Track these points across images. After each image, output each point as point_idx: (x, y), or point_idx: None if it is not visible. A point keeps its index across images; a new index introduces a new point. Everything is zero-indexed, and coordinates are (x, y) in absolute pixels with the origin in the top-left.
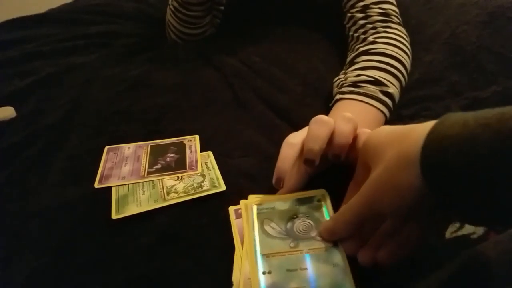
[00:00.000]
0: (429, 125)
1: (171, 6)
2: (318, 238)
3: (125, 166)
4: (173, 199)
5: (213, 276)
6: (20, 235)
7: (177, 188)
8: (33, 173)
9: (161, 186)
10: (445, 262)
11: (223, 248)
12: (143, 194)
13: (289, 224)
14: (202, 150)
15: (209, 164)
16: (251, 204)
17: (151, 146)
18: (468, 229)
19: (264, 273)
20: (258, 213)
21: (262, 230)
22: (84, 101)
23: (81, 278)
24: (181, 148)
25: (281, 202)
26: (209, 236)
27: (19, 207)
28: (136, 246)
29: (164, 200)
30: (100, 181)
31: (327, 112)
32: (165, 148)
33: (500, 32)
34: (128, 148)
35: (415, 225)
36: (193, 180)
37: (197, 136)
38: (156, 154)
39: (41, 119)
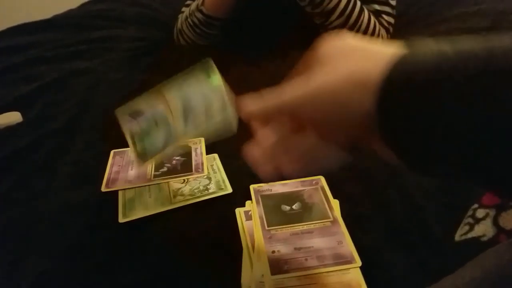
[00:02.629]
0: (384, 57)
1: (190, 21)
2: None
3: (132, 169)
4: (179, 202)
5: (221, 277)
6: (27, 238)
7: (183, 191)
8: (40, 177)
9: (168, 189)
10: (457, 266)
11: (231, 250)
12: (150, 197)
13: None
14: (207, 152)
15: (215, 167)
16: None
17: None
18: (477, 231)
19: None
20: None
21: None
22: (89, 105)
23: (88, 280)
24: (186, 151)
25: None
26: (216, 238)
27: (26, 211)
28: (144, 249)
29: (171, 203)
30: (107, 185)
31: None
32: None
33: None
34: None
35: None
36: (200, 183)
37: (202, 139)
38: None
39: (47, 123)
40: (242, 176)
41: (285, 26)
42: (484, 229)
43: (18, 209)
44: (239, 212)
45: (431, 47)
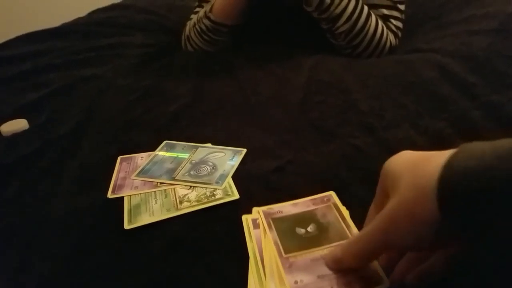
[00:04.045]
0: (444, 156)
1: (197, 27)
2: None
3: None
4: (186, 208)
5: (226, 285)
6: (32, 243)
7: (190, 197)
8: (46, 183)
9: (174, 195)
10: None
11: (237, 256)
12: (156, 203)
13: None
14: None
15: None
16: None
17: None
18: None
19: None
20: None
21: None
22: (96, 111)
23: (93, 286)
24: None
25: None
26: (222, 244)
27: (31, 216)
28: (149, 254)
29: (177, 209)
30: (113, 191)
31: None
32: None
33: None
34: (141, 158)
35: (441, 252)
36: (206, 189)
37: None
38: None
39: (54, 129)
40: (248, 180)
41: (292, 30)
42: None
43: (24, 214)
44: (246, 219)
45: (474, 152)
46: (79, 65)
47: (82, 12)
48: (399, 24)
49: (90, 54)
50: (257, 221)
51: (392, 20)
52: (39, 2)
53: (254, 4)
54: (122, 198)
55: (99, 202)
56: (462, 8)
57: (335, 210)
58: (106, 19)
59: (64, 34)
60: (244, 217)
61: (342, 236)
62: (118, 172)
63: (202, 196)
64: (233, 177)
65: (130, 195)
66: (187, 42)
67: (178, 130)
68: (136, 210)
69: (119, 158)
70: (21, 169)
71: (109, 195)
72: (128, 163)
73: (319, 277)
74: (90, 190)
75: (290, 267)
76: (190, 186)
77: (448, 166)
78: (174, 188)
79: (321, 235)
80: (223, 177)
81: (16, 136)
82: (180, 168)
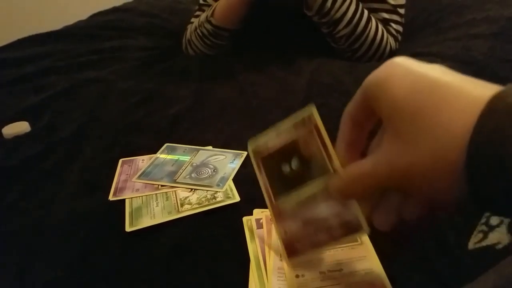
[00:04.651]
0: (469, 111)
1: (199, 31)
2: None
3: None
4: (187, 211)
5: (227, 287)
6: (34, 248)
7: (190, 199)
8: (47, 186)
9: (175, 198)
10: (471, 274)
11: (238, 260)
12: (157, 206)
13: None
14: None
15: None
16: None
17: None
18: (492, 239)
19: None
20: None
21: None
22: (98, 114)
23: None
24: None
25: None
26: (223, 246)
27: (33, 220)
28: (150, 258)
29: (178, 212)
30: (114, 194)
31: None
32: None
33: None
34: (142, 161)
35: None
36: (207, 192)
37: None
38: None
39: (56, 132)
40: (248, 183)
41: (292, 33)
42: (498, 237)
43: (26, 218)
44: (247, 221)
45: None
46: (80, 68)
47: (83, 15)
48: (399, 28)
49: (91, 57)
50: (260, 221)
51: (392, 24)
52: (40, 4)
53: (256, 7)
54: (123, 201)
55: (101, 205)
56: (462, 12)
57: (317, 137)
58: (108, 22)
59: (66, 36)
60: (244, 219)
61: (324, 171)
62: (120, 174)
63: (203, 199)
64: (234, 180)
65: (132, 198)
66: (188, 46)
67: (179, 133)
68: (137, 212)
69: (120, 160)
70: (23, 172)
71: (111, 197)
72: (129, 165)
73: (304, 223)
74: (91, 193)
75: (279, 215)
76: (191, 189)
77: (480, 136)
78: (175, 191)
79: (304, 172)
80: (224, 180)
81: (18, 139)
82: (181, 170)
